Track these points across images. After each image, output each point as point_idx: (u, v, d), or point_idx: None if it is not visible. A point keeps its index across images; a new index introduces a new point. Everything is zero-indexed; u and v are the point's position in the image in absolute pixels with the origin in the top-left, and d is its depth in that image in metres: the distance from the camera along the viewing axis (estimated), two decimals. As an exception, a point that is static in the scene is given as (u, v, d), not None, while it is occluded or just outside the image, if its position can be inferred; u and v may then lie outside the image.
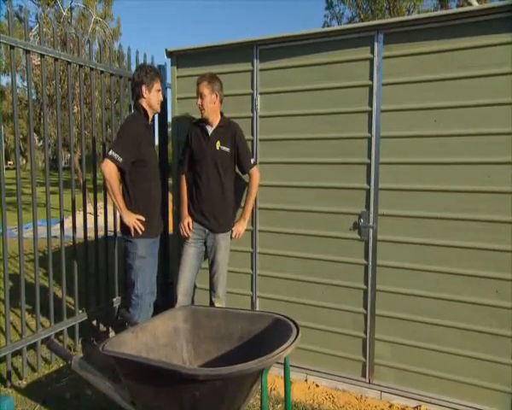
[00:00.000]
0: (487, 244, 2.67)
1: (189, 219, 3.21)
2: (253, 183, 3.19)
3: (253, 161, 3.20)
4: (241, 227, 3.24)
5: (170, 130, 3.98)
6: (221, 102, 3.15)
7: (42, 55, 3.25)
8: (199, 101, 3.08)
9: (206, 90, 3.05)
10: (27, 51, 3.12)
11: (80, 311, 3.74)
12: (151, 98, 3.11)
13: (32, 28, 9.38)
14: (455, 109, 2.71)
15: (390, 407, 2.93)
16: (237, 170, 3.26)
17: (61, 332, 3.54)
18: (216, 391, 1.90)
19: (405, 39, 2.80)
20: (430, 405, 2.86)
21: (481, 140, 2.65)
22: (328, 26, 18.09)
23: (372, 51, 2.90)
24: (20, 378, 3.28)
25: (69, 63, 3.46)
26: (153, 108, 3.16)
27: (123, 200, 3.03)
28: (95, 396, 2.98)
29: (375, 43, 2.88)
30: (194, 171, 3.22)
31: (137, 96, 3.12)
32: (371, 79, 2.91)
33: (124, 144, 2.97)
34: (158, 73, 3.19)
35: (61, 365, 3.49)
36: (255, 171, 3.19)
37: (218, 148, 3.13)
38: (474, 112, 2.66)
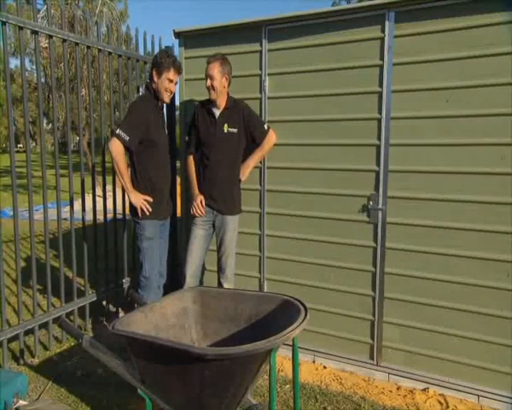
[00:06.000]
0: (498, 227, 2.64)
1: (201, 197, 3.18)
2: (267, 139, 3.15)
3: (266, 126, 3.17)
4: (245, 173, 3.23)
5: (177, 113, 3.95)
6: (229, 84, 3.12)
7: (50, 36, 3.24)
8: (208, 82, 3.04)
9: (217, 73, 3.00)
10: (35, 32, 3.11)
11: (90, 291, 3.79)
12: (159, 85, 3.07)
13: (39, 10, 9.34)
14: (467, 89, 2.65)
15: (398, 389, 2.94)
16: (243, 151, 3.22)
17: (71, 312, 3.59)
18: (224, 371, 1.91)
19: (417, 18, 2.74)
20: (438, 387, 2.87)
21: (494, 121, 2.60)
22: (337, 5, 17.80)
23: (383, 30, 2.84)
24: (33, 356, 3.34)
25: (77, 44, 3.44)
26: (160, 96, 3.10)
27: (130, 180, 3.03)
28: (105, 375, 3.03)
29: (386, 22, 2.82)
30: (201, 153, 3.21)
31: (150, 77, 3.12)
32: (382, 58, 2.86)
33: (131, 123, 2.97)
34: (175, 64, 3.07)
35: (72, 344, 3.55)
36: (271, 133, 3.17)
37: (226, 131, 3.11)
38: (487, 92, 2.61)
